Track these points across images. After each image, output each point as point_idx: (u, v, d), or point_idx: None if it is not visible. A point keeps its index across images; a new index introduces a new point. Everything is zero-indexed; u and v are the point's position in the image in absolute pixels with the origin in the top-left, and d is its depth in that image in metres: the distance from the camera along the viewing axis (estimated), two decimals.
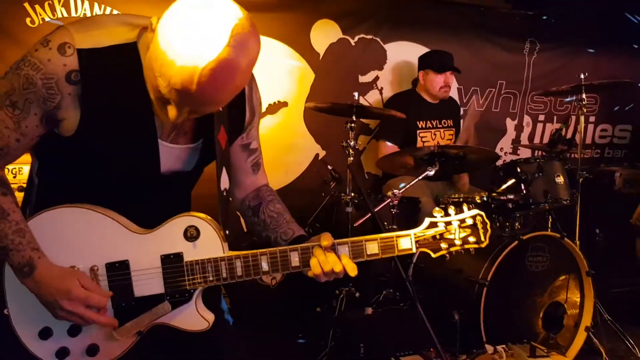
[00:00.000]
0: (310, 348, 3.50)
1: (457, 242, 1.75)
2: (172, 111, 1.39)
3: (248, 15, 1.33)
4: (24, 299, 1.55)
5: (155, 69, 1.33)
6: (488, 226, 1.79)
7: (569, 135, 3.69)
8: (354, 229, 3.44)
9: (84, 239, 1.58)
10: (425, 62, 4.46)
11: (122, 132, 1.51)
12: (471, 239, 1.76)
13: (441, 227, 1.74)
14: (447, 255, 1.76)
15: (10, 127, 1.46)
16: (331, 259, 1.63)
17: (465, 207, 1.79)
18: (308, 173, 4.81)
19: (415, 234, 1.71)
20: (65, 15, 3.80)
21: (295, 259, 1.65)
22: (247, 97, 1.74)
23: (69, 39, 1.42)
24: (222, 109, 1.58)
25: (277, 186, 3.97)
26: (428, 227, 1.73)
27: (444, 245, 1.74)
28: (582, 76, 3.80)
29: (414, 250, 1.71)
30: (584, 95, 3.83)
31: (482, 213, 1.80)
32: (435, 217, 1.75)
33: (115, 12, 3.91)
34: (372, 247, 1.68)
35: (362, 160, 5.01)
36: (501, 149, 5.53)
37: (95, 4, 3.88)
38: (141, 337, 1.63)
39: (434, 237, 1.73)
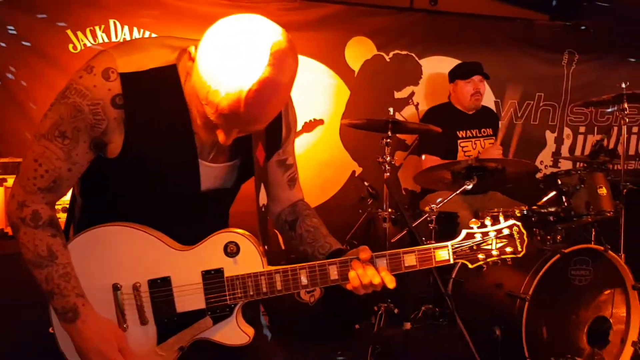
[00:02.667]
0: None
1: (494, 252, 1.74)
2: (221, 135, 1.43)
3: (283, 31, 1.37)
4: None
5: (201, 97, 1.37)
6: (525, 236, 1.78)
7: (611, 146, 3.60)
8: (391, 244, 3.42)
9: (126, 256, 1.62)
10: (453, 75, 4.45)
11: (164, 153, 1.55)
12: (508, 249, 1.76)
13: (478, 237, 1.74)
14: (484, 266, 1.76)
15: (61, 157, 1.49)
16: (369, 272, 1.64)
17: (501, 217, 1.79)
18: (345, 190, 4.82)
19: (452, 245, 1.72)
20: (106, 40, 3.92)
21: (334, 273, 1.66)
22: (284, 113, 1.77)
23: (112, 64, 1.45)
24: None
25: (314, 204, 3.92)
26: (465, 238, 1.73)
27: (481, 256, 1.73)
28: (623, 85, 3.74)
29: (452, 261, 1.71)
30: (626, 105, 3.75)
31: (519, 223, 1.79)
32: (472, 228, 1.75)
33: (154, 35, 4.02)
34: (410, 259, 1.69)
35: (399, 177, 5.00)
36: (541, 162, 5.44)
37: (135, 29, 3.99)
38: (183, 353, 1.65)
39: (470, 248, 1.73)
